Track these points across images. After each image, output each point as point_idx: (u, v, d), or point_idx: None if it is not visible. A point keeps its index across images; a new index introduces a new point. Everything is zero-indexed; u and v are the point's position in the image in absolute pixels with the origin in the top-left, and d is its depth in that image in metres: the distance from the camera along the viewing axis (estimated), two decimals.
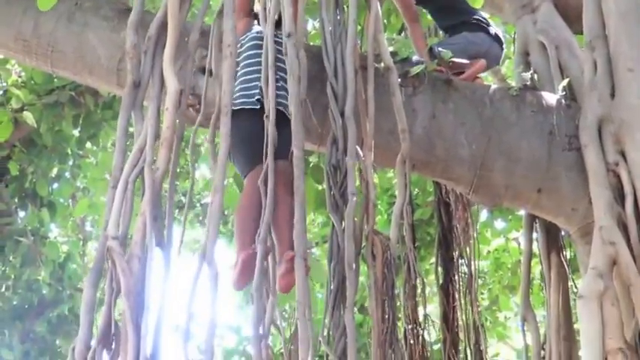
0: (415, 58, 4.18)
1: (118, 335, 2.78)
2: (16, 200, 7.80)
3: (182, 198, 9.13)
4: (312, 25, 6.25)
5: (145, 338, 2.73)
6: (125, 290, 2.77)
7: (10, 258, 7.97)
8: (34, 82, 6.48)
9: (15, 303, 8.50)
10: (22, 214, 7.92)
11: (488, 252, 8.44)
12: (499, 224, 7.73)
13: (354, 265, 3.30)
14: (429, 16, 5.33)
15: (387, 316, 3.42)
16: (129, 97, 3.29)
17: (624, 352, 3.22)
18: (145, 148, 3.10)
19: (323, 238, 7.64)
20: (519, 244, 8.25)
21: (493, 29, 4.62)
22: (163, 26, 3.39)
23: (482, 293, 8.35)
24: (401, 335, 4.90)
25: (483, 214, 7.18)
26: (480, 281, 8.02)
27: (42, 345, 8.73)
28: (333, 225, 3.53)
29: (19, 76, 6.64)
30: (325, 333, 3.39)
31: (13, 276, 8.28)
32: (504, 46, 4.84)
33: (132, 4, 3.70)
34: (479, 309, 6.29)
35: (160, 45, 3.38)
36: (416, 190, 6.90)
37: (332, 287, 3.41)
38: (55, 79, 6.32)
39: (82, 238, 9.49)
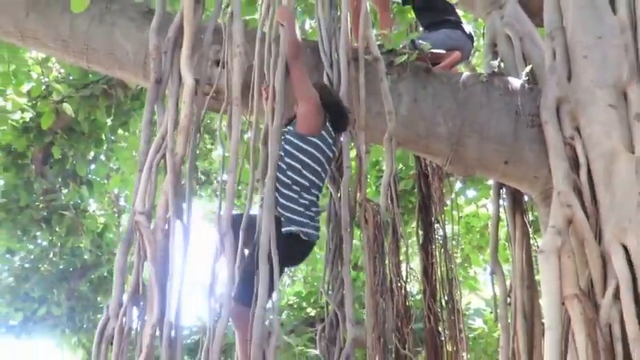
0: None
1: (146, 295, 2.81)
2: (59, 180, 7.83)
3: (201, 176, 9.11)
4: (309, 23, 6.18)
5: (169, 297, 2.76)
6: (151, 257, 2.79)
7: (56, 229, 7.96)
8: (72, 77, 6.45)
9: (61, 267, 8.53)
10: (64, 191, 7.93)
11: (460, 217, 8.43)
12: (470, 193, 7.72)
13: (349, 228, 3.28)
14: (409, 15, 5.26)
15: (377, 271, 3.40)
16: (152, 92, 3.27)
17: (579, 297, 3.20)
18: (166, 135, 3.09)
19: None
20: (488, 209, 8.24)
21: (467, 28, 4.56)
22: (180, 29, 3.35)
23: (455, 252, 8.35)
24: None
25: (457, 185, 7.15)
26: (453, 242, 8.02)
27: (85, 302, 8.76)
28: (331, 194, 3.49)
29: (59, 72, 6.61)
30: (325, 286, 3.37)
31: (59, 244, 8.30)
32: (475, 42, 4.78)
33: (154, 5, 3.63)
34: (453, 265, 6.29)
35: (177, 46, 3.34)
36: (400, 164, 6.88)
37: (330, 247, 3.39)
38: (90, 75, 6.29)
39: (117, 212, 9.47)
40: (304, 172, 3.09)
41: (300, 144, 3.12)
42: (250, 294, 2.86)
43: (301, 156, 3.10)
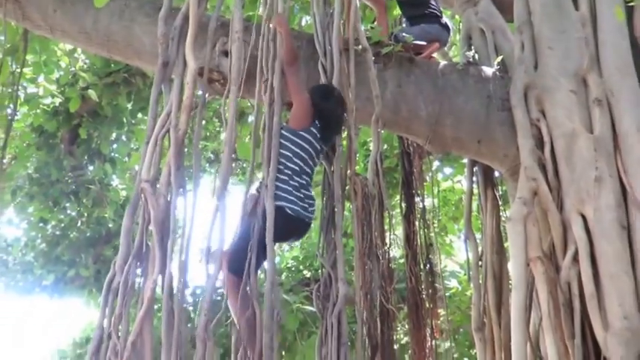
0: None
1: (148, 253, 2.75)
2: (86, 157, 7.82)
3: (211, 155, 9.06)
4: (305, 20, 6.10)
5: (170, 257, 2.69)
6: (153, 220, 2.74)
7: (83, 201, 7.96)
8: (96, 67, 6.38)
9: (88, 234, 8.47)
10: (90, 167, 7.92)
11: (438, 191, 8.40)
12: (447, 170, 7.70)
13: (340, 200, 3.26)
14: (394, 11, 5.19)
15: (365, 238, 3.38)
16: (159, 74, 3.19)
17: (542, 260, 3.22)
18: (170, 113, 3.02)
19: (316, 183, 7.61)
20: (462, 184, 8.23)
21: (444, 20, 4.49)
22: (186, 19, 3.28)
23: (434, 222, 8.34)
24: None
25: (436, 162, 7.13)
26: (432, 213, 8.01)
27: (109, 265, 8.72)
28: (325, 170, 3.46)
29: (85, 62, 6.54)
30: (320, 251, 3.35)
31: (86, 214, 8.27)
32: (451, 33, 4.72)
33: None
34: (431, 233, 6.30)
35: (183, 33, 3.26)
36: (385, 144, 6.84)
37: (325, 215, 3.36)
38: (112, 64, 6.21)
39: None
40: (295, 159, 3.10)
41: (291, 137, 3.14)
42: (242, 266, 2.81)
43: (292, 146, 3.12)
